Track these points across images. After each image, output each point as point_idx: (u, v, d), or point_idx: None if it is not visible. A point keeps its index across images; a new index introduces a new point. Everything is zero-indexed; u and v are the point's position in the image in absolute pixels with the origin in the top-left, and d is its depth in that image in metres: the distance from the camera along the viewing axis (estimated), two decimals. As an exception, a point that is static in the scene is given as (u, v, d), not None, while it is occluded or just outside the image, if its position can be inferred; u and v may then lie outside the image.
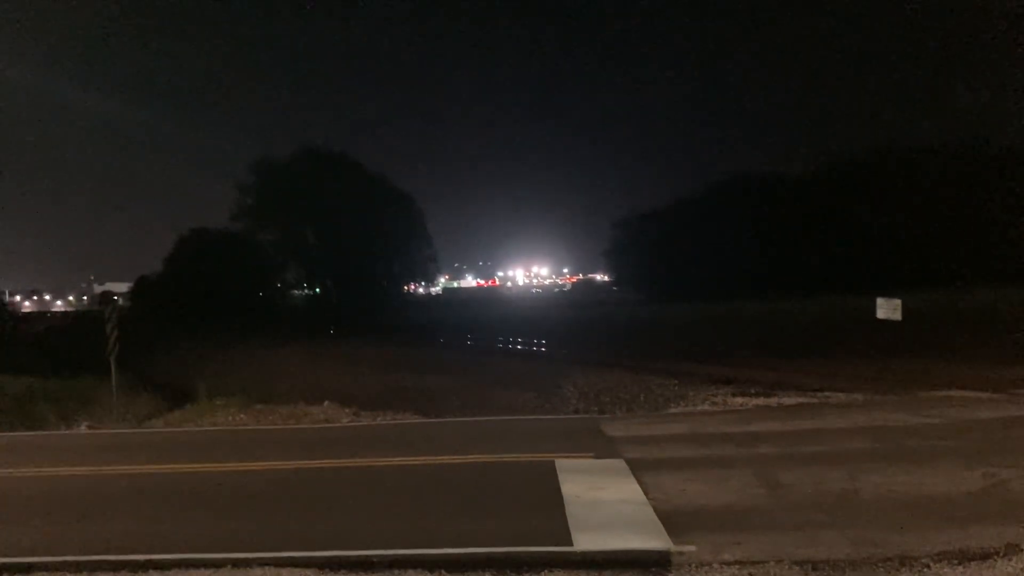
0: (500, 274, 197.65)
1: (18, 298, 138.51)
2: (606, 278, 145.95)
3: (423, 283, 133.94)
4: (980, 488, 8.61)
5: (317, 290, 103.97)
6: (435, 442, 13.19)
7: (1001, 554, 6.72)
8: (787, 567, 6.73)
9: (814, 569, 6.68)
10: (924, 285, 49.56)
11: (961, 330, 29.13)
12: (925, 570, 6.56)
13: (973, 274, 55.52)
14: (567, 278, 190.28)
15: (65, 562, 7.51)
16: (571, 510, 8.34)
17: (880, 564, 6.70)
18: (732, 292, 66.77)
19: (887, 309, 19.66)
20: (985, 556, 6.71)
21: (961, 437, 11.28)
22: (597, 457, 10.85)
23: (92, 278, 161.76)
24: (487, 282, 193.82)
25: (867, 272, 59.75)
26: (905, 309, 19.29)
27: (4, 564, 7.53)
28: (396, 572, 7.07)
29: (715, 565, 6.86)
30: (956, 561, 6.66)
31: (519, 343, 40.15)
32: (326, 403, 19.04)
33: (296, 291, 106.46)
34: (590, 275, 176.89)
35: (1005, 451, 10.17)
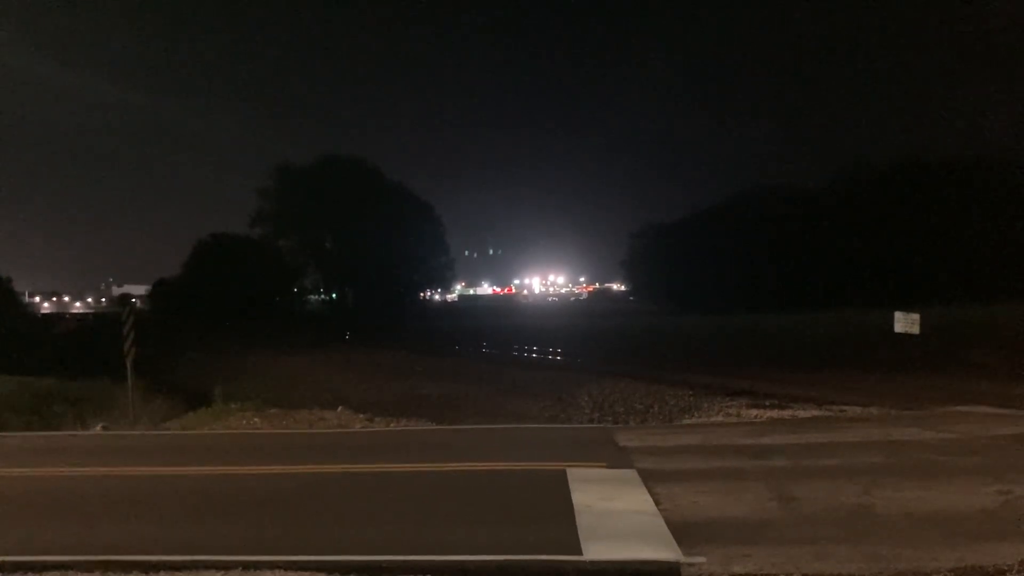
0: (516, 282, 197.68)
1: (38, 299, 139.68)
2: (623, 288, 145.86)
3: (439, 290, 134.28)
4: (995, 505, 8.53)
5: (334, 296, 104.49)
6: (448, 449, 13.21)
7: (1014, 571, 6.64)
8: (797, 581, 6.68)
9: (825, 583, 6.64)
10: (944, 300, 49.19)
11: (980, 346, 28.88)
12: (937, 586, 6.50)
13: (994, 289, 55.07)
14: (584, 287, 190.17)
15: (77, 561, 7.54)
16: (581, 519, 8.31)
17: (891, 580, 6.65)
18: (749, 304, 66.59)
19: (905, 323, 19.56)
20: (998, 573, 6.63)
21: (977, 453, 11.18)
22: (609, 467, 10.81)
23: (111, 280, 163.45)
24: (503, 290, 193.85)
25: (885, 286, 59.41)
26: (923, 324, 19.17)
27: (17, 563, 7.58)
28: (405, 578, 7.07)
29: (724, 577, 6.82)
30: (969, 578, 6.60)
31: (535, 352, 40.14)
32: (340, 408, 19.13)
33: (313, 296, 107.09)
34: (607, 284, 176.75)
35: (1021, 468, 10.06)
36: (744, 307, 65.49)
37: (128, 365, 18.63)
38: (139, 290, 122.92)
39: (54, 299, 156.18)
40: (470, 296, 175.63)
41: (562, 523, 8.21)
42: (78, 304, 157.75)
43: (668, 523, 8.14)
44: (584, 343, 44.78)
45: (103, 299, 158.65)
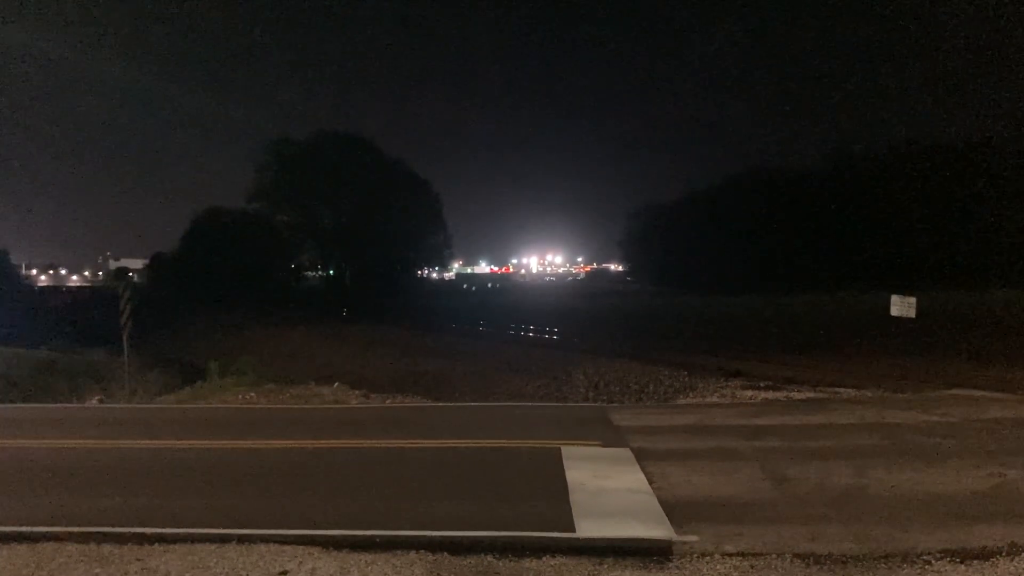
0: (514, 261, 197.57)
1: (34, 272, 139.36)
2: (620, 268, 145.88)
3: (437, 268, 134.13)
4: (987, 488, 8.58)
5: (331, 272, 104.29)
6: (443, 426, 13.25)
7: (1004, 553, 6.69)
8: (788, 560, 6.72)
9: (816, 563, 6.67)
10: (942, 283, 49.32)
11: (977, 329, 28.94)
12: (927, 567, 6.53)
13: (992, 274, 55.13)
14: (581, 267, 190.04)
15: (71, 533, 7.58)
16: (575, 497, 8.36)
17: (882, 560, 6.68)
18: (746, 285, 66.60)
19: (901, 307, 19.60)
20: (988, 555, 6.68)
21: (970, 436, 11.22)
22: (604, 445, 10.85)
23: (108, 254, 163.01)
24: (501, 269, 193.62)
25: (884, 269, 59.47)
26: (920, 307, 19.18)
27: (11, 533, 7.62)
28: (399, 553, 7.10)
29: (716, 556, 6.86)
30: (958, 559, 6.63)
31: (531, 330, 40.17)
32: (336, 384, 19.15)
33: (310, 273, 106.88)
34: (604, 264, 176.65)
35: (1014, 451, 10.12)
36: (741, 288, 65.50)
37: (124, 339, 18.65)
38: (136, 264, 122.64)
39: (51, 272, 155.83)
40: (467, 274, 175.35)
41: (556, 500, 8.25)
42: (75, 277, 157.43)
43: (661, 502, 8.18)
44: (580, 322, 44.77)
45: (100, 273, 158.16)
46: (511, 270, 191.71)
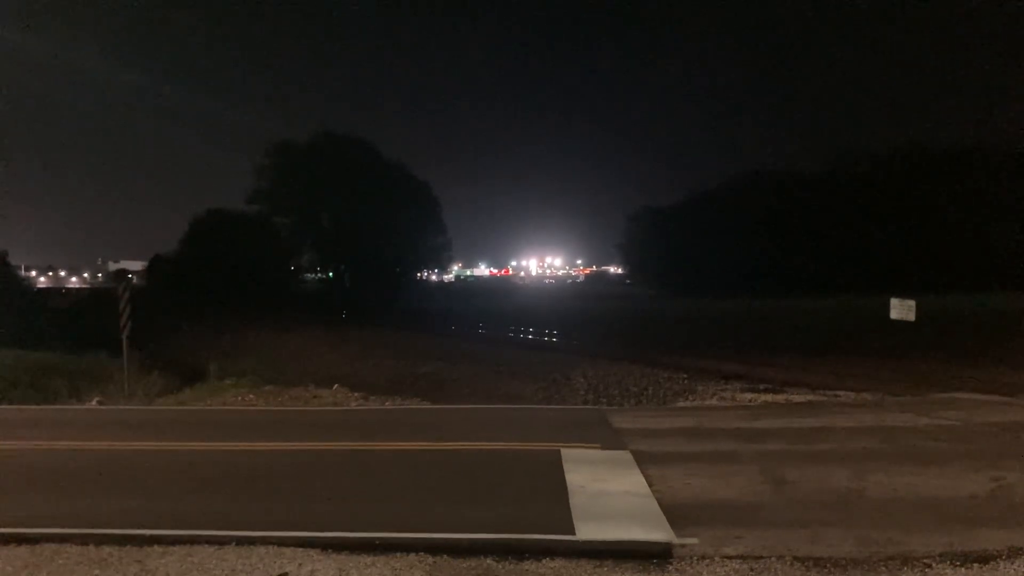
0: (513, 263, 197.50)
1: (33, 273, 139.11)
2: (619, 271, 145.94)
3: (436, 271, 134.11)
4: (986, 491, 8.57)
5: (331, 275, 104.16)
6: (442, 428, 13.23)
7: (1004, 557, 6.68)
8: (788, 563, 6.71)
9: (816, 566, 6.66)
10: (942, 287, 49.30)
11: (976, 333, 28.97)
12: (927, 570, 6.52)
13: (993, 278, 55.13)
14: (580, 270, 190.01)
15: (71, 535, 7.57)
16: (575, 500, 8.35)
17: (882, 563, 6.68)
18: (746, 289, 66.60)
19: (901, 310, 19.52)
20: (987, 558, 6.67)
21: (969, 440, 11.23)
22: (603, 448, 10.84)
23: (107, 255, 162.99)
24: (500, 271, 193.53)
25: (883, 272, 59.45)
26: (920, 311, 19.17)
27: (11, 535, 7.61)
28: (398, 555, 7.09)
29: (716, 559, 6.85)
30: (958, 562, 6.62)
31: (531, 333, 40.17)
32: (335, 386, 19.14)
33: (310, 275, 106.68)
34: (603, 267, 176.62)
35: (1013, 455, 10.11)
36: (740, 291, 65.51)
37: (124, 340, 18.64)
38: (135, 266, 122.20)
39: (50, 274, 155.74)
40: (467, 277, 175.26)
41: (556, 503, 8.24)
42: (74, 279, 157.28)
43: (661, 504, 8.18)
44: (580, 325, 44.79)
45: (99, 274, 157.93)
46: (510, 273, 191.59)
